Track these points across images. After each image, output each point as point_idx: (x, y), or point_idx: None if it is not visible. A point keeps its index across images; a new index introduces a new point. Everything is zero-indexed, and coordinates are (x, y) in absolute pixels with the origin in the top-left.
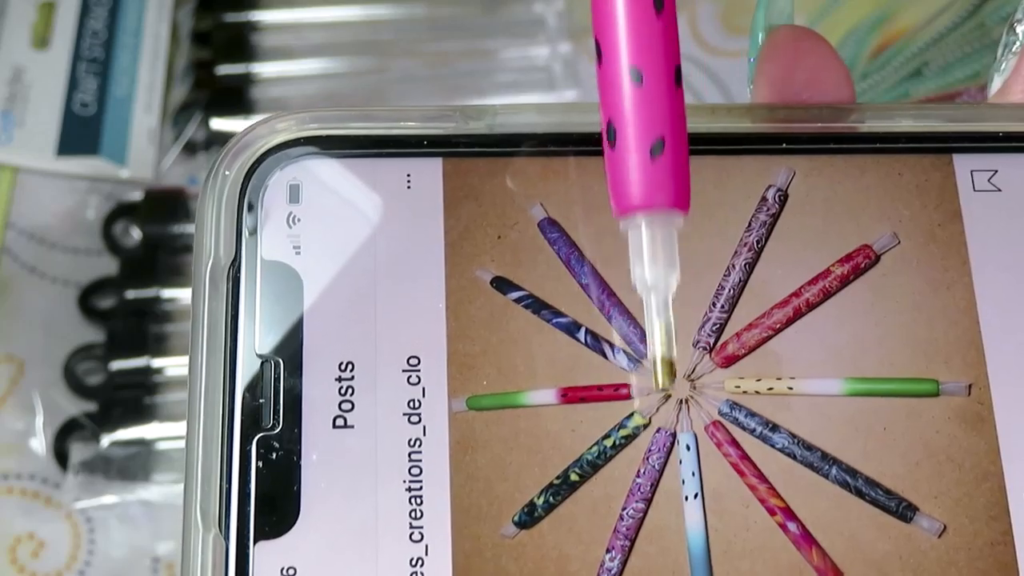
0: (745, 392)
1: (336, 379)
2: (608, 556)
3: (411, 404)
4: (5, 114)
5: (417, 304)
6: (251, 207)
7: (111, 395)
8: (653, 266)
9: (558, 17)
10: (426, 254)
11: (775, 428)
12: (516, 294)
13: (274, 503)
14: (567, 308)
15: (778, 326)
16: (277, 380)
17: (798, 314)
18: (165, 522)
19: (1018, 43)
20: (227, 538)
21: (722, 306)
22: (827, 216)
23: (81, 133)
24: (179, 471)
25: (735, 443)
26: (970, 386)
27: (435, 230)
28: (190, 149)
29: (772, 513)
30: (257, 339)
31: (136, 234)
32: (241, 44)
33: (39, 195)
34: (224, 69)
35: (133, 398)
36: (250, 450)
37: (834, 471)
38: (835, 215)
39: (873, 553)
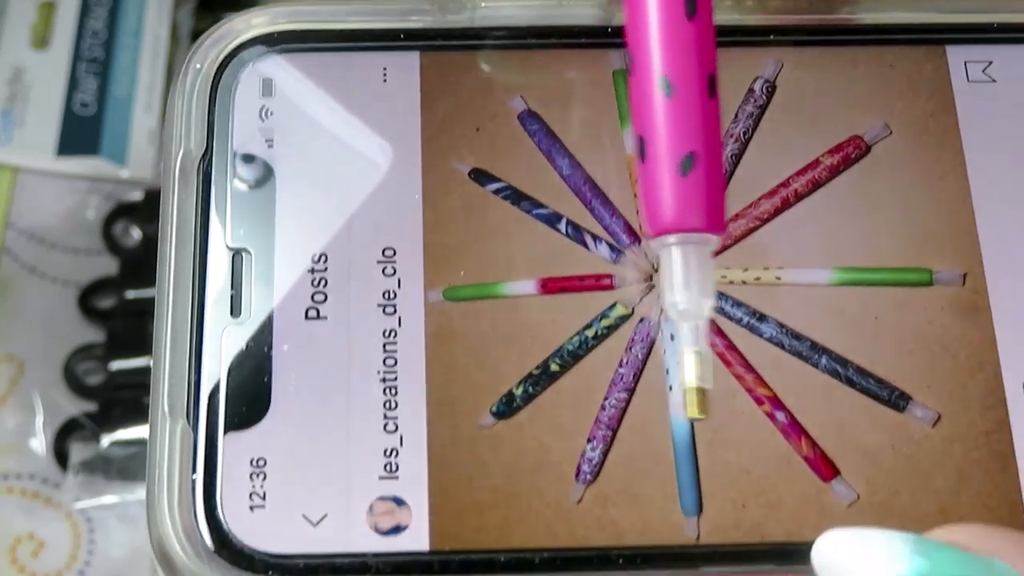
0: (732, 282)
1: (309, 271)
2: (589, 446)
3: (386, 295)
4: (5, 114)
5: (393, 196)
6: (223, 100)
7: (111, 395)
8: (686, 292)
9: None
10: (402, 147)
11: (763, 318)
12: (495, 185)
13: (243, 394)
14: (548, 200)
15: (765, 216)
16: (248, 272)
17: (786, 204)
18: None
19: None
20: (195, 429)
21: None
22: (816, 108)
23: (81, 133)
24: None
25: (721, 333)
26: (965, 275)
27: (412, 124)
28: None
29: (760, 403)
30: (228, 231)
31: (136, 234)
32: None
33: (39, 195)
34: None
35: (133, 398)
36: (220, 341)
37: (824, 360)
38: (825, 107)
39: (865, 443)
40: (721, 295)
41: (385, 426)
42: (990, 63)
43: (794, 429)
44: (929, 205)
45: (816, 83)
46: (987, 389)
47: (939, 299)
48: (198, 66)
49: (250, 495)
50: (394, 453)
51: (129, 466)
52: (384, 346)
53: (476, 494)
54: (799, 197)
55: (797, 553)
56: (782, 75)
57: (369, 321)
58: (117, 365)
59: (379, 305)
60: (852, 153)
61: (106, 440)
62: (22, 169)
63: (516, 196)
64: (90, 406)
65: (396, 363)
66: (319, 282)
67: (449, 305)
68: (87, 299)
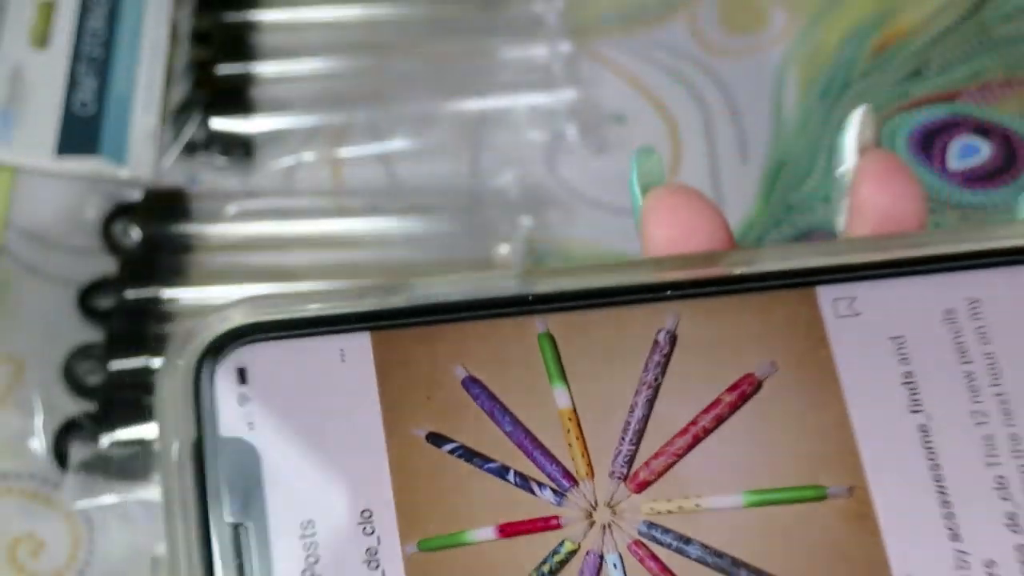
0: (659, 512)
1: (300, 536)
2: None
3: (368, 551)
4: (4, 114)
5: (363, 464)
6: (206, 391)
7: (110, 395)
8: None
9: (558, 16)
10: (366, 418)
11: (688, 541)
12: (449, 446)
13: None
14: (496, 455)
15: (680, 452)
16: (247, 543)
17: (697, 440)
18: None
19: (844, 187)
20: None
21: (630, 439)
22: (713, 351)
23: (81, 133)
24: None
25: (655, 557)
26: (851, 488)
27: (371, 397)
28: (190, 149)
29: None
30: (226, 508)
31: (136, 234)
32: (241, 43)
33: (39, 195)
34: (224, 69)
35: (133, 398)
36: None
37: (743, 573)
38: (720, 350)
39: None
40: (651, 524)
41: None
42: (855, 298)
43: None
44: (815, 430)
45: (711, 329)
46: None
47: (832, 510)
48: (179, 362)
49: None
50: None
51: (129, 466)
52: None
53: None
54: (707, 432)
55: None
56: (681, 325)
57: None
58: (116, 365)
59: (363, 561)
60: (747, 389)
61: (105, 440)
62: (21, 169)
63: (468, 454)
64: (89, 406)
65: None
66: (310, 545)
67: (425, 555)
68: (86, 299)
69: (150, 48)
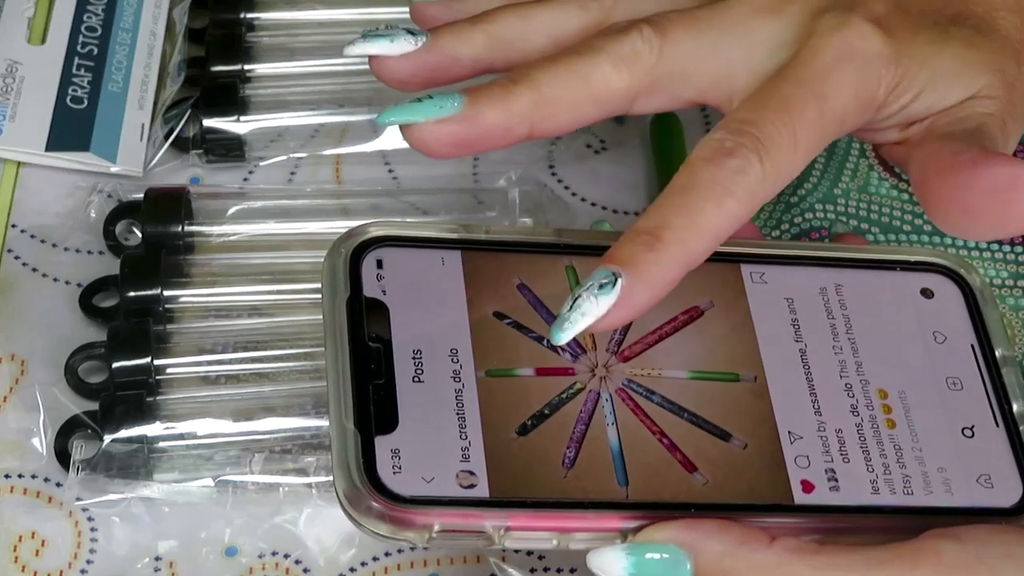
0: (636, 375)
1: (411, 358)
2: (567, 450)
3: (454, 372)
4: None
5: (453, 323)
6: (354, 268)
7: (112, 394)
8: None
9: None
10: (456, 300)
11: (652, 392)
12: (507, 320)
13: (383, 414)
14: (536, 329)
15: (651, 343)
16: (380, 358)
17: (661, 338)
18: (167, 520)
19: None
20: (360, 430)
21: (620, 331)
22: (676, 291)
23: (72, 128)
24: (180, 470)
25: (631, 398)
26: (755, 377)
27: (460, 288)
28: (181, 146)
29: (653, 432)
30: (366, 335)
31: (137, 234)
32: (235, 42)
33: (41, 195)
34: (217, 67)
35: (134, 397)
36: (369, 394)
37: (685, 414)
38: (680, 290)
39: (710, 454)
40: (630, 380)
41: (460, 427)
42: (764, 272)
43: (671, 448)
44: (735, 342)
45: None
46: (771, 435)
47: (742, 388)
48: (342, 250)
49: (392, 466)
50: (467, 450)
51: (131, 464)
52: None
53: None
54: (668, 335)
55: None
56: None
57: (446, 377)
58: (118, 364)
59: (450, 377)
60: (694, 314)
61: (108, 438)
62: (10, 163)
63: (518, 326)
64: (91, 405)
65: (463, 389)
66: (418, 364)
67: (488, 379)
68: (89, 298)
69: (145, 45)
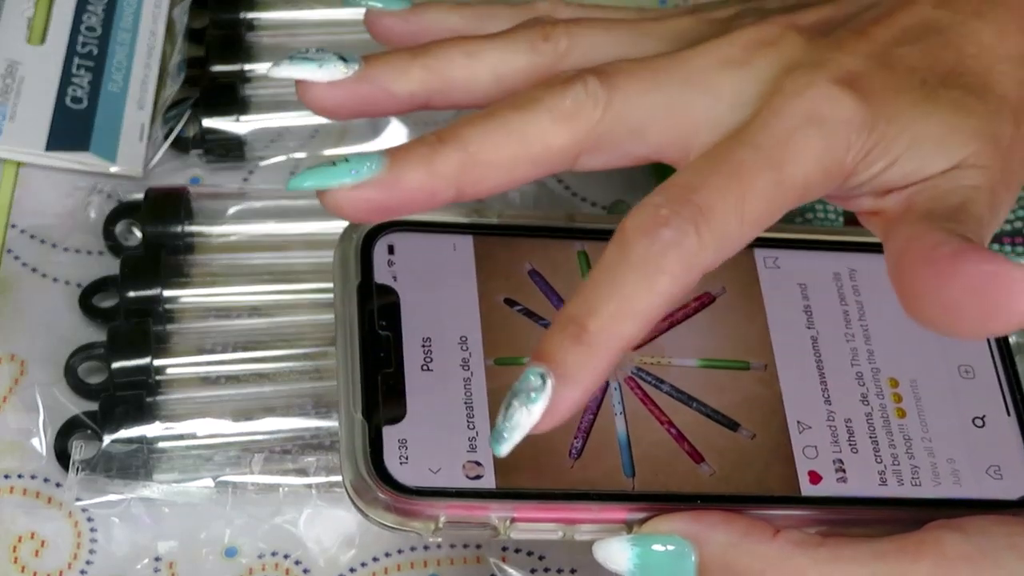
0: (645, 363)
1: (421, 345)
2: (574, 440)
3: (463, 360)
4: None
5: (463, 311)
6: (366, 255)
7: (112, 394)
8: None
9: None
10: (466, 286)
11: (661, 380)
12: (518, 307)
13: (391, 404)
14: (546, 316)
15: (662, 330)
16: (388, 343)
17: (672, 325)
18: (167, 520)
19: None
20: (367, 419)
21: None
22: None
23: (72, 128)
24: (180, 470)
25: (639, 387)
26: (766, 365)
27: (471, 274)
28: (181, 146)
29: (661, 422)
30: (376, 323)
31: (137, 234)
32: (235, 42)
33: (41, 195)
34: (217, 67)
35: (134, 397)
36: (377, 381)
37: (694, 404)
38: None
39: (716, 445)
40: (639, 368)
41: (468, 416)
42: (777, 258)
43: (679, 438)
44: (747, 329)
45: None
46: (780, 427)
47: (752, 377)
48: (354, 235)
49: (399, 457)
50: (474, 440)
51: (131, 465)
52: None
53: None
54: (679, 322)
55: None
56: None
57: (454, 368)
58: (118, 364)
59: (459, 365)
60: (705, 300)
61: (107, 439)
62: (10, 163)
63: (529, 313)
64: (91, 405)
65: (472, 377)
66: (428, 352)
67: (497, 367)
68: (88, 299)
69: (145, 45)
